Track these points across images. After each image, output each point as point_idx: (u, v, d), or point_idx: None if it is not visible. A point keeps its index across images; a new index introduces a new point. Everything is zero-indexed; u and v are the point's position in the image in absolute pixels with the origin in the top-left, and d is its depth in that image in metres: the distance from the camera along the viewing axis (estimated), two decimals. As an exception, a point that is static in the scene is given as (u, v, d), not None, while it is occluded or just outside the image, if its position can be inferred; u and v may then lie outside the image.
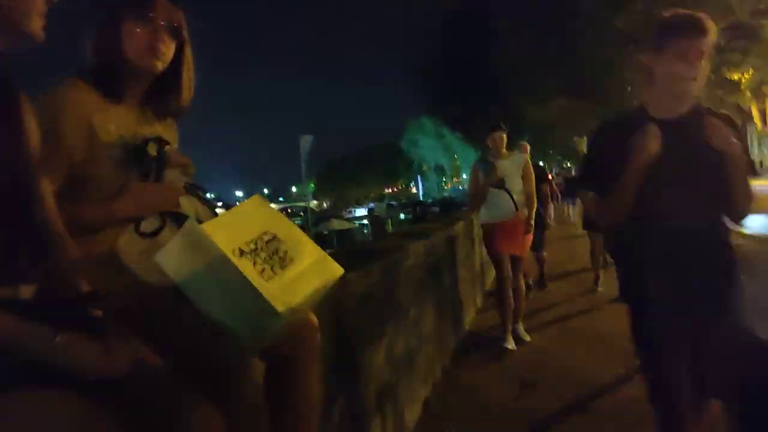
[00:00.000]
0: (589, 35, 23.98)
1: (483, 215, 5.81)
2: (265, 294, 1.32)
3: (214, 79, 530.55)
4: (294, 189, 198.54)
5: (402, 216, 61.46)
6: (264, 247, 1.44)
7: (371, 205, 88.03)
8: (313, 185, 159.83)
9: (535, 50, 27.50)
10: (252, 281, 1.32)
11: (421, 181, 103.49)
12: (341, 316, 2.66)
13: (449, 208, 42.79)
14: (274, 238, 1.49)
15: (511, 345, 5.47)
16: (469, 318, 6.89)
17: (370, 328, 3.18)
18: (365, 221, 58.43)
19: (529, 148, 7.51)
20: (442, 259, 5.66)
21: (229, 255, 1.34)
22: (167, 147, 1.70)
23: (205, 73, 1.88)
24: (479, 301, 8.07)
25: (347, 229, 44.72)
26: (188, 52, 1.79)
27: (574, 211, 19.97)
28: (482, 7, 32.22)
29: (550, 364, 5.08)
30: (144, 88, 1.74)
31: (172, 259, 1.38)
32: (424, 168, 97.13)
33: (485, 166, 5.67)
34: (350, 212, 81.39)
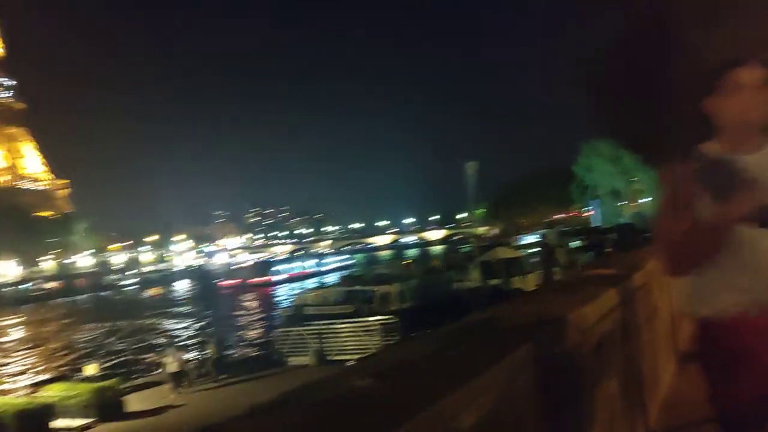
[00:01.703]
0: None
1: (716, 293, 2.40)
2: None
3: (382, 108, 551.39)
4: (462, 215, 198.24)
5: (575, 243, 57.90)
6: None
7: (542, 231, 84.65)
8: (481, 211, 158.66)
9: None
10: None
11: (597, 206, 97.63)
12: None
13: (627, 235, 39.53)
14: None
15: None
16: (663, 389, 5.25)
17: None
18: (535, 249, 55.74)
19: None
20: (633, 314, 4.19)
21: None
22: None
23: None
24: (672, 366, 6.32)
25: (514, 258, 42.74)
26: None
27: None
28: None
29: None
30: None
31: None
32: (600, 193, 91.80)
33: (716, 170, 2.33)
34: (519, 239, 78.63)
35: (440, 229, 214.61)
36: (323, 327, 24.79)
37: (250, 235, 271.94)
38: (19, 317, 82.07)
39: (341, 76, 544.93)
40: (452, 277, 38.93)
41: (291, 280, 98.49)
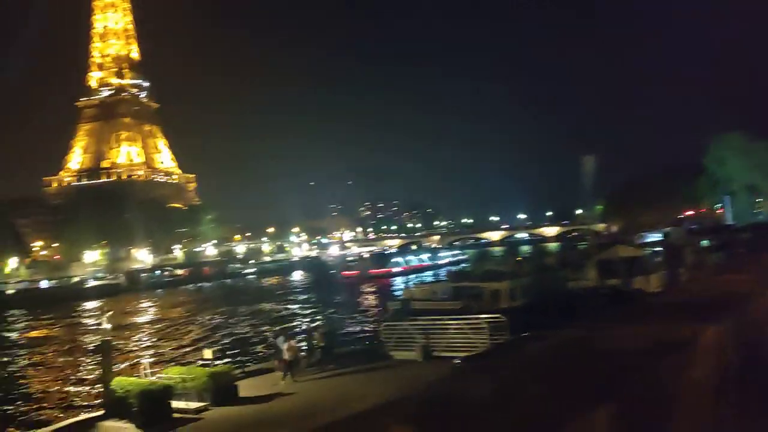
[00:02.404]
0: None
1: None
2: None
3: (497, 101, 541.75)
4: (579, 211, 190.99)
5: (704, 242, 53.92)
6: None
7: (667, 229, 79.70)
8: (600, 207, 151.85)
9: None
10: None
11: (728, 203, 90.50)
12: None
13: (762, 235, 36.17)
14: None
15: None
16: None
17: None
18: (658, 248, 52.48)
19: None
20: None
21: None
22: None
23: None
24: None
25: (636, 257, 40.30)
26: None
27: None
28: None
29: None
30: None
31: None
32: (732, 188, 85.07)
33: None
34: (642, 237, 74.50)
35: (555, 225, 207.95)
36: (430, 322, 24.53)
37: (362, 228, 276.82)
38: (152, 301, 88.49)
39: (454, 72, 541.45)
40: (567, 276, 37.30)
41: (408, 272, 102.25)
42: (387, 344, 25.40)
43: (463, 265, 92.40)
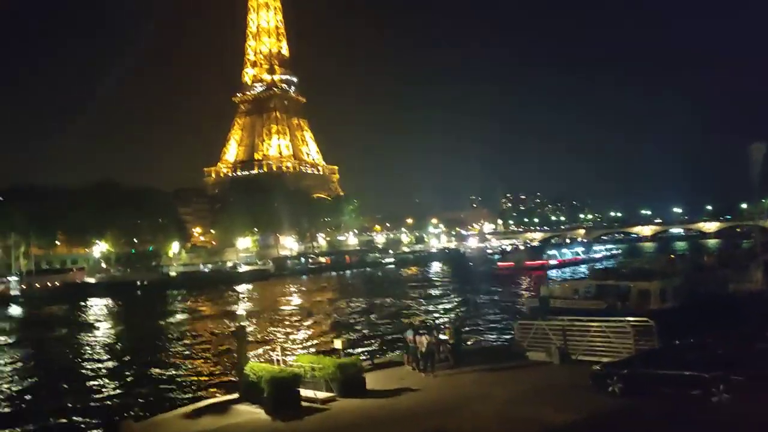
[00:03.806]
0: None
1: None
2: None
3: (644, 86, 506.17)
4: (744, 206, 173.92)
5: None
6: None
7: None
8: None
9: None
10: None
11: None
12: None
13: None
14: None
15: None
16: None
17: None
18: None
19: None
20: None
21: None
22: None
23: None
24: None
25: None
26: None
27: None
28: None
29: None
30: None
31: None
32: None
33: None
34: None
35: (715, 220, 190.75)
36: (569, 322, 22.88)
37: (502, 220, 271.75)
38: (296, 287, 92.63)
39: (599, 59, 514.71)
40: (728, 277, 33.53)
41: (562, 265, 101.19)
42: (521, 343, 24.11)
43: (617, 260, 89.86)
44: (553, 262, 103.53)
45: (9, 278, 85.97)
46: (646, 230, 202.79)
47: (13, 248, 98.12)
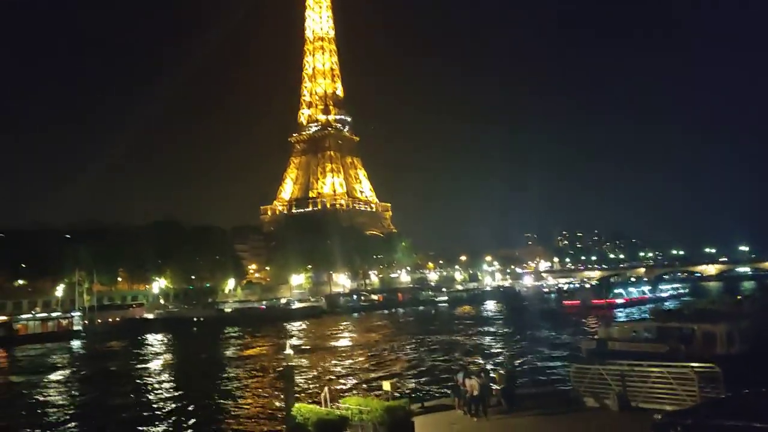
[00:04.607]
0: None
1: None
2: None
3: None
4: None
5: None
6: None
7: None
8: None
9: None
10: None
11: None
12: None
13: None
14: None
15: None
16: None
17: None
18: None
19: None
20: None
21: None
22: None
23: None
24: None
25: None
26: None
27: None
28: None
29: None
30: None
31: None
32: None
33: None
34: None
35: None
36: (628, 367, 21.80)
37: (558, 258, 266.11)
38: (348, 325, 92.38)
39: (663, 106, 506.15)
40: (801, 320, 31.65)
41: (629, 304, 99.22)
42: (577, 388, 23.09)
43: (685, 299, 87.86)
44: (619, 301, 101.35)
45: (73, 314, 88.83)
46: (711, 269, 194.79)
47: (77, 284, 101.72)
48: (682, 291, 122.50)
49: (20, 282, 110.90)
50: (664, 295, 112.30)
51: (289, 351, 21.87)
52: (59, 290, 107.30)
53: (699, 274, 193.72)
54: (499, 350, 53.33)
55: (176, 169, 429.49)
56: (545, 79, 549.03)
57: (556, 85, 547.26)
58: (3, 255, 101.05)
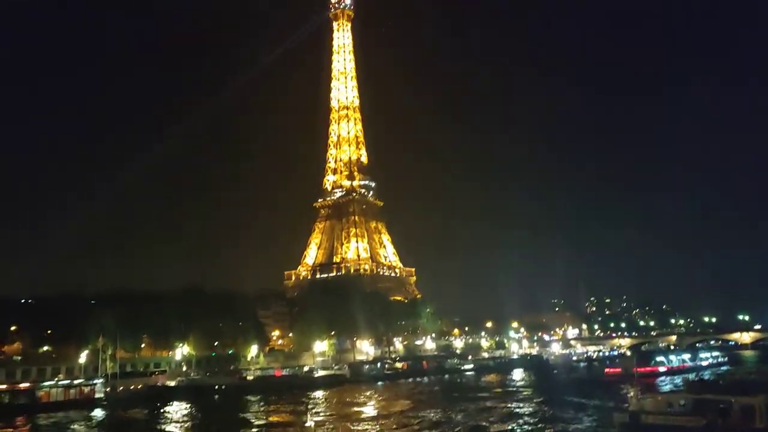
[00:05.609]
0: None
1: None
2: None
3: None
4: None
5: None
6: None
7: None
8: None
9: None
10: None
11: None
12: None
13: None
14: None
15: None
16: None
17: None
18: None
19: None
20: None
21: None
22: None
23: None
24: None
25: None
26: None
27: None
28: None
29: None
30: None
31: None
32: None
33: None
34: None
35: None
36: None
37: (586, 325, 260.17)
38: (371, 394, 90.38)
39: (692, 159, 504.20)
40: None
41: (670, 372, 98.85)
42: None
43: (725, 368, 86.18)
44: (662, 369, 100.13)
45: (95, 381, 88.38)
46: (745, 337, 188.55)
47: (101, 351, 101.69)
48: (721, 360, 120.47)
49: (45, 348, 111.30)
50: (704, 363, 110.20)
51: (311, 422, 21.37)
52: (83, 356, 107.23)
53: (733, 342, 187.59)
54: (529, 422, 51.51)
55: (202, 235, 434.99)
56: (573, 145, 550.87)
57: (584, 151, 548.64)
58: (29, 322, 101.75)
